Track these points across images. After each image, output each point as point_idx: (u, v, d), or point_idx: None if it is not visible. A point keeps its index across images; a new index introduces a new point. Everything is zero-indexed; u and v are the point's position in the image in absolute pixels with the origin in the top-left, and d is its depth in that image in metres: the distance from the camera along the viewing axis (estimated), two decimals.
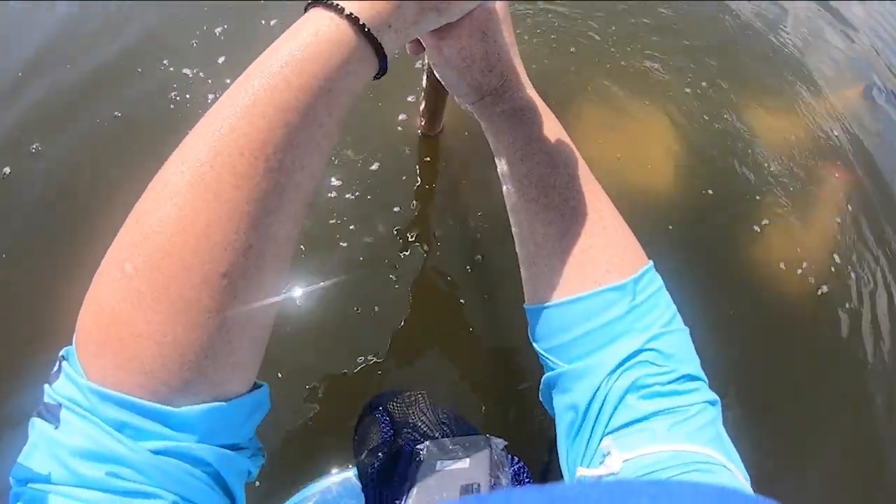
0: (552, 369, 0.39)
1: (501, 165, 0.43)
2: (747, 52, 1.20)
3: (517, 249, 0.43)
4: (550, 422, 0.42)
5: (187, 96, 0.86)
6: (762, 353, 0.85)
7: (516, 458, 0.52)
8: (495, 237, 0.80)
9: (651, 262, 0.40)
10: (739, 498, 0.19)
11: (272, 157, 0.28)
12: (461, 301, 0.75)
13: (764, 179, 1.02)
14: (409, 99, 0.89)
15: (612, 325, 0.36)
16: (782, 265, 0.93)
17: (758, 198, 0.99)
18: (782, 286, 0.92)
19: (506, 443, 0.51)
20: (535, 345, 0.42)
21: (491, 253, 0.79)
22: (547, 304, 0.39)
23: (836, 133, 1.13)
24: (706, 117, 1.06)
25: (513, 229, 0.43)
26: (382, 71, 0.33)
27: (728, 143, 1.04)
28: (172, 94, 0.85)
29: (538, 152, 0.41)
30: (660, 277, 0.40)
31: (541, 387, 0.42)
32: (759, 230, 0.95)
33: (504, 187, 0.43)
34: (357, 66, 0.31)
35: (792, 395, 0.85)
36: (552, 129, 0.42)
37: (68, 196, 0.75)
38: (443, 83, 0.44)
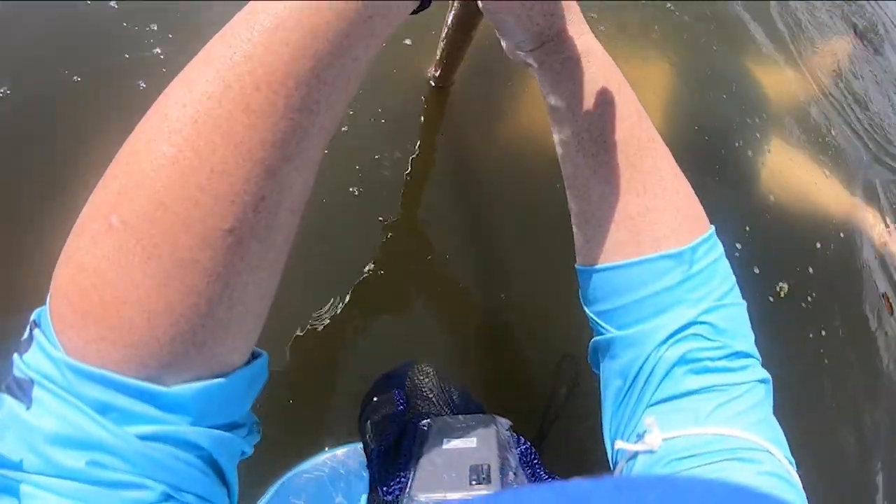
0: (601, 334, 0.38)
1: (558, 117, 0.39)
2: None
3: (570, 205, 0.40)
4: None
5: (158, 50, 0.78)
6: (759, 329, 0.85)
7: (523, 439, 0.50)
8: (503, 197, 0.76)
9: (712, 228, 0.38)
10: (751, 497, 0.17)
11: (294, 94, 0.23)
12: (464, 267, 0.72)
13: (763, 129, 1.05)
14: (407, 42, 0.82)
15: (665, 294, 0.35)
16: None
17: (751, 153, 1.01)
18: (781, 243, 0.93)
19: (511, 423, 0.50)
20: (585, 308, 0.40)
21: (496, 214, 0.75)
22: (598, 266, 0.37)
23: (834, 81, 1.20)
24: (701, 65, 1.07)
25: (566, 185, 0.40)
26: (425, 3, 0.28)
27: (723, 88, 1.06)
28: (149, 40, 0.78)
29: (601, 104, 0.37)
30: (721, 245, 0.38)
31: (589, 349, 0.41)
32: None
33: (557, 139, 0.40)
34: None
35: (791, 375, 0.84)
36: (615, 78, 0.38)
37: (36, 140, 0.69)
38: (498, 30, 0.39)
